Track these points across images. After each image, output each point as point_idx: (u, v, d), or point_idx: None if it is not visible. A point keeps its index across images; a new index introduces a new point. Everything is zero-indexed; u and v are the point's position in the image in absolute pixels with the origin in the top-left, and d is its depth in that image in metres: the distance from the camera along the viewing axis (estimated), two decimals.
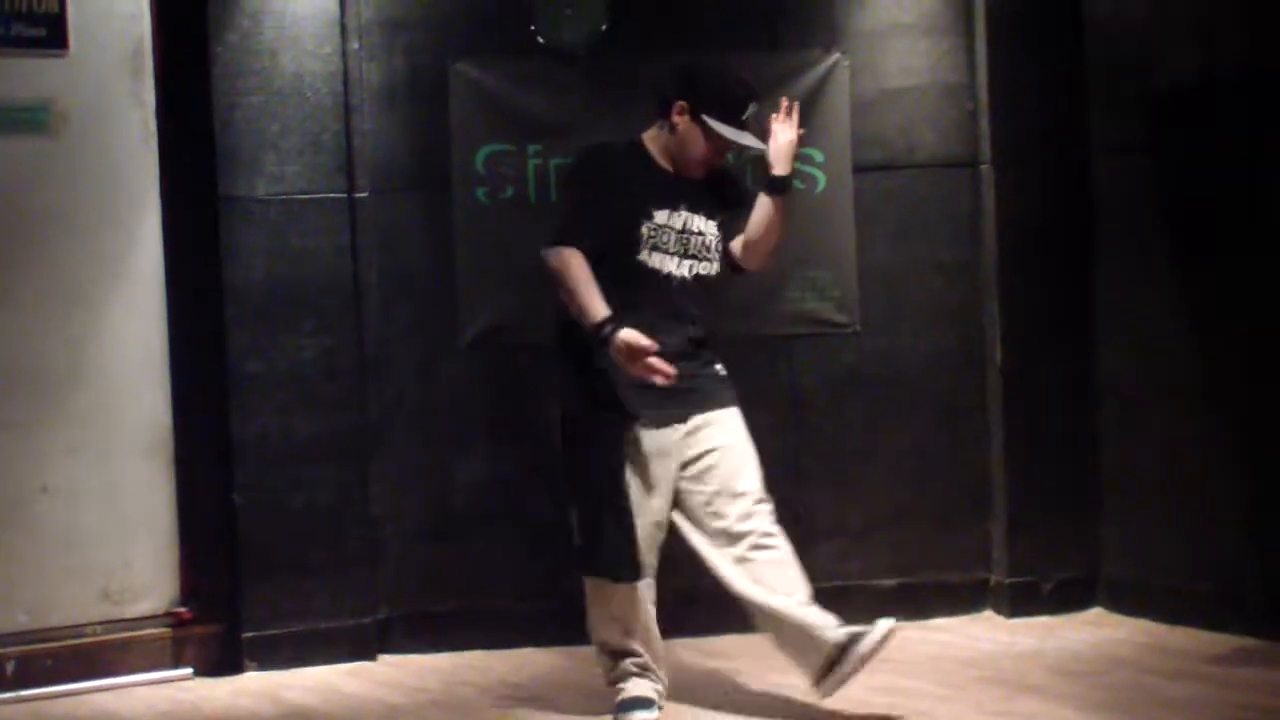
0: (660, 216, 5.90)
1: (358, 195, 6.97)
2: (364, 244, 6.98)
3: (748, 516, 5.89)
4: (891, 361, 7.21)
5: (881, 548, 7.04)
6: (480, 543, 7.06)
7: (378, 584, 7.01)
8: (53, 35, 6.74)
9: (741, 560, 5.87)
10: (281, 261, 6.88)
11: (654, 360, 5.66)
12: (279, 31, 6.86)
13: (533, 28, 7.02)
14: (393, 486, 7.03)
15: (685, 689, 6.20)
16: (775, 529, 5.92)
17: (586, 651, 6.72)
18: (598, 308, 5.71)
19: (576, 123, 7.00)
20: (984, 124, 7.21)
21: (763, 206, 6.01)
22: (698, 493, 5.91)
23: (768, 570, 5.87)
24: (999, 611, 7.25)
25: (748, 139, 5.87)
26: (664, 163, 5.96)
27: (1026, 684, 6.24)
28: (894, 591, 7.13)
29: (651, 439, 5.88)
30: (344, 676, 6.78)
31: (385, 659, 6.98)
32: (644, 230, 5.87)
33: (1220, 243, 6.78)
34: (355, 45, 6.97)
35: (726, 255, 6.06)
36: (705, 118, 5.84)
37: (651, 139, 5.99)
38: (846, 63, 7.16)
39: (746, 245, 6.06)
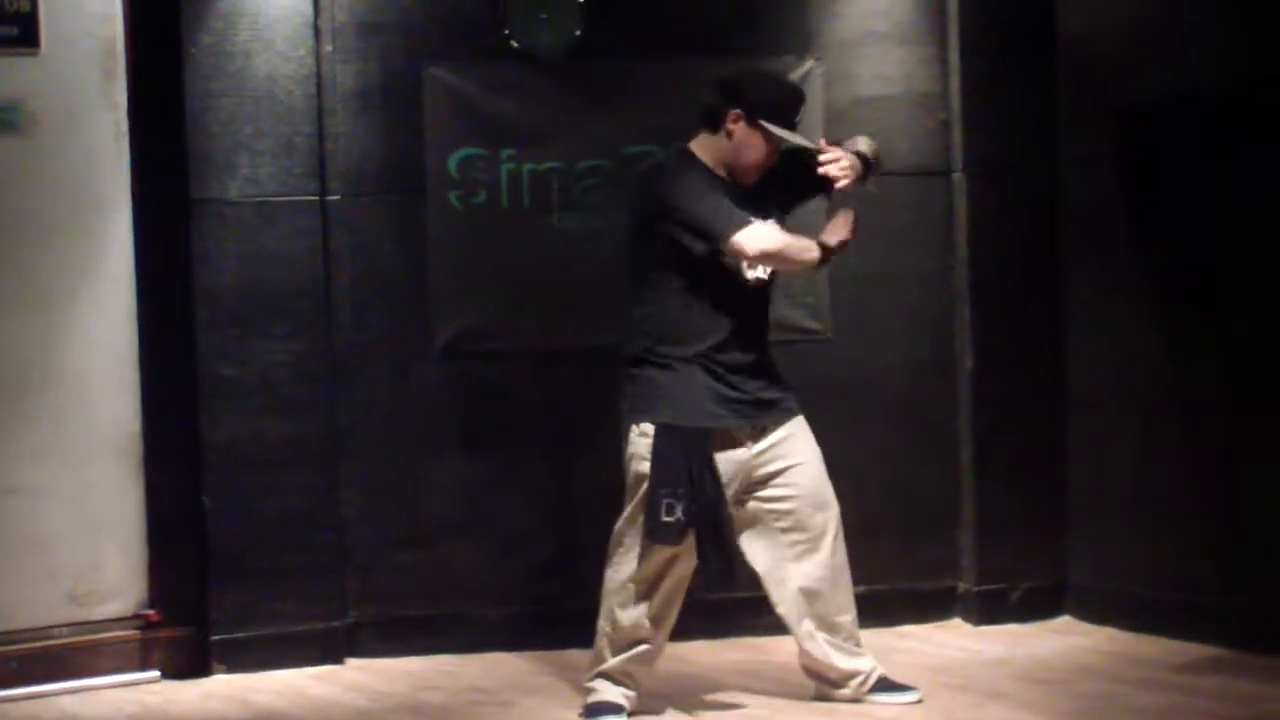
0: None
1: (330, 199, 6.96)
2: (336, 248, 6.97)
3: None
4: (863, 369, 7.22)
5: (851, 555, 6.99)
6: (450, 547, 7.06)
7: (347, 588, 7.00)
8: (24, 35, 6.71)
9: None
10: (253, 264, 6.87)
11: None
12: (253, 34, 6.84)
13: (506, 33, 7.01)
14: (363, 491, 7.02)
15: (658, 694, 6.21)
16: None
17: (556, 656, 6.75)
18: (810, 243, 5.94)
19: (550, 128, 7.02)
20: (957, 133, 7.24)
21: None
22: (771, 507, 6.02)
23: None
24: (967, 619, 7.26)
25: (801, 139, 5.94)
26: (721, 172, 5.96)
27: (995, 692, 6.25)
28: (863, 599, 7.05)
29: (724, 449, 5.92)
30: (312, 680, 6.77)
31: (354, 663, 6.96)
32: None
33: (1189, 254, 6.81)
34: (329, 48, 6.96)
35: None
36: (763, 122, 5.88)
37: (702, 149, 5.98)
38: (821, 70, 7.18)
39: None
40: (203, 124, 6.82)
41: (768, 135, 5.89)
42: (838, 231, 5.95)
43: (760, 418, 5.98)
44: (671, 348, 5.90)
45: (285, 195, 6.89)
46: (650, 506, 5.83)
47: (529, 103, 7.04)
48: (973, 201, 7.21)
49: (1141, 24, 6.96)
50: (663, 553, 5.88)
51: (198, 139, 6.82)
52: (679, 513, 5.80)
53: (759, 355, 6.00)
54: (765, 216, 5.95)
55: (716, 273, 5.89)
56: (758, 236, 5.84)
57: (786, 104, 5.95)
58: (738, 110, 5.89)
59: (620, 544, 5.96)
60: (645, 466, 5.86)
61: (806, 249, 5.92)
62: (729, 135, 5.92)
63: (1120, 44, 7.04)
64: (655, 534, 5.84)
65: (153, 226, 6.88)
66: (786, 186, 6.06)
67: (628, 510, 5.94)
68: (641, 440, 5.90)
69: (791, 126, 5.91)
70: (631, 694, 6.00)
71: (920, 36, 7.25)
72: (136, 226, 6.87)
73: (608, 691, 5.97)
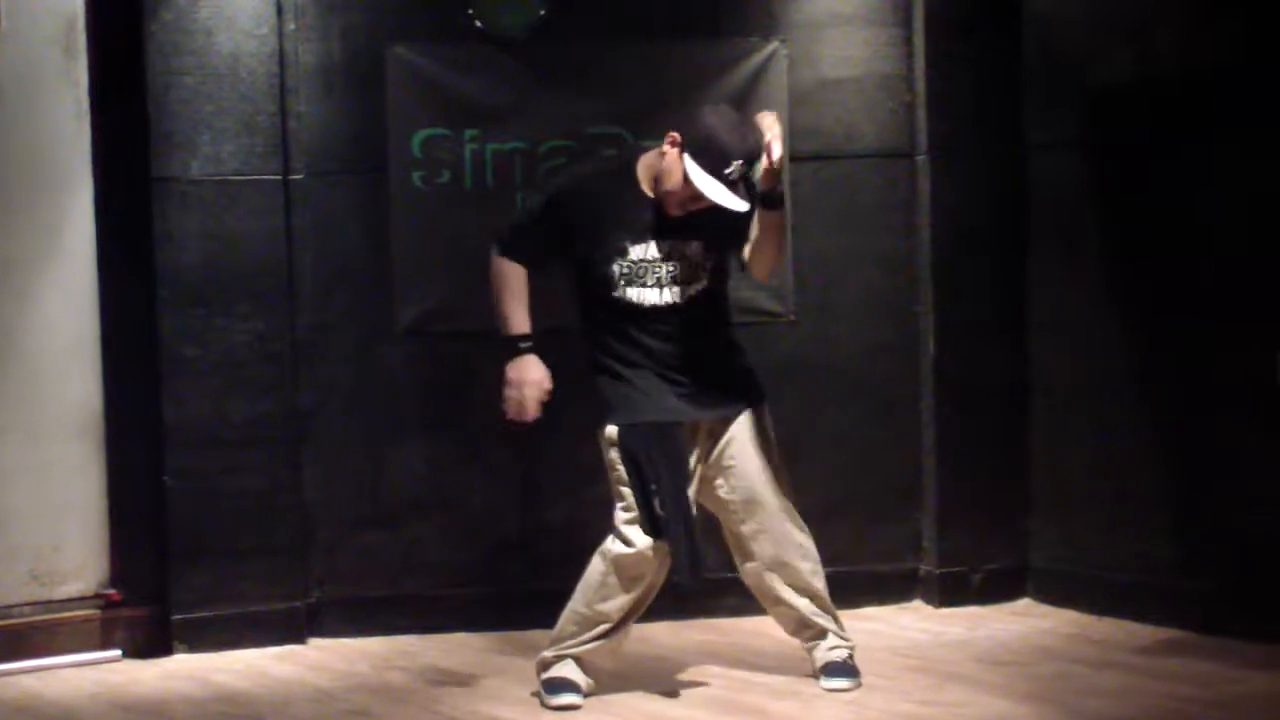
0: (636, 251, 5.91)
1: (293, 178, 6.93)
2: (299, 227, 6.95)
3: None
4: (826, 351, 7.22)
5: (812, 537, 7.03)
6: (412, 528, 7.05)
7: (309, 568, 7.00)
8: None
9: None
10: (215, 244, 6.85)
11: (529, 396, 5.94)
12: (215, 10, 6.81)
13: (470, 12, 6.99)
14: (325, 471, 7.00)
15: (621, 677, 6.22)
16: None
17: (518, 636, 6.76)
18: (521, 321, 5.96)
19: (513, 108, 7.00)
20: (921, 116, 7.24)
21: (759, 220, 5.97)
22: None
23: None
24: (928, 601, 7.28)
25: (719, 193, 5.75)
26: (648, 189, 5.93)
27: (955, 673, 6.27)
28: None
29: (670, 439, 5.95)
30: (274, 660, 6.76)
31: (316, 643, 6.96)
32: (616, 269, 5.90)
33: (1151, 240, 6.82)
34: (292, 26, 6.93)
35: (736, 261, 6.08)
36: (687, 157, 5.78)
37: (647, 162, 5.95)
38: (785, 52, 7.17)
39: (750, 257, 6.05)
40: (164, 102, 6.79)
41: (687, 172, 5.77)
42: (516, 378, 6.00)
43: (702, 414, 5.98)
44: (609, 358, 5.96)
45: (247, 174, 6.86)
46: (644, 506, 5.84)
47: (493, 83, 7.02)
48: (936, 184, 7.20)
49: (1108, 8, 6.97)
50: (658, 547, 5.88)
51: (159, 117, 6.78)
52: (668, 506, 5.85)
53: (700, 352, 5.98)
54: (690, 237, 5.90)
55: (611, 303, 5.93)
56: (500, 265, 5.95)
57: (722, 152, 5.73)
58: (678, 135, 5.81)
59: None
60: (620, 470, 5.89)
61: (507, 318, 5.96)
62: (662, 155, 5.87)
63: (1086, 29, 7.04)
64: (657, 529, 5.85)
65: (114, 205, 6.85)
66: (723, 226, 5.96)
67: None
68: (609, 446, 5.92)
69: (722, 178, 5.74)
70: (590, 680, 6.01)
71: (885, 18, 7.24)
72: (97, 205, 6.84)
73: (568, 669, 5.98)
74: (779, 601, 6.13)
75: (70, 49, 6.82)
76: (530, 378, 5.95)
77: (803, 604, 6.12)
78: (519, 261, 5.96)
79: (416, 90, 7.00)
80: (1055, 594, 7.19)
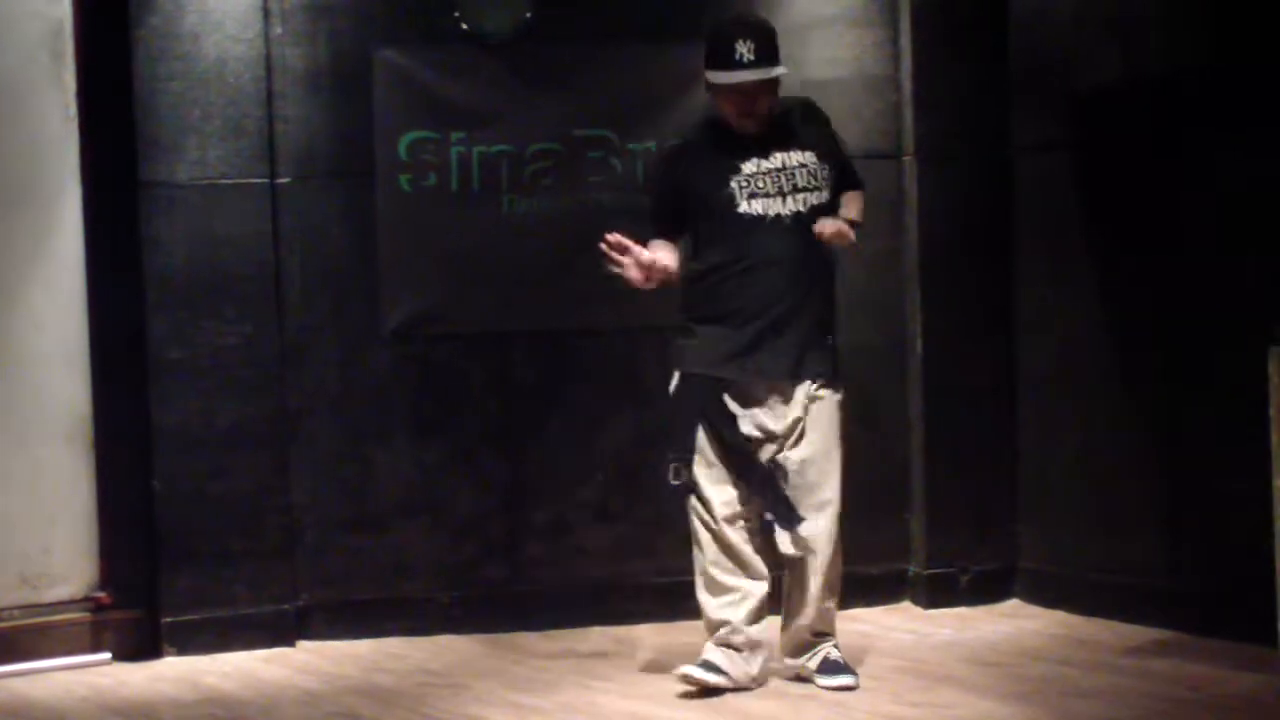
0: (749, 167, 5.97)
1: (280, 181, 6.94)
2: (286, 231, 6.95)
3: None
4: None
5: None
6: (399, 531, 7.06)
7: (297, 571, 7.00)
8: None
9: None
10: (203, 247, 6.85)
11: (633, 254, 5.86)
12: (201, 15, 6.82)
13: (457, 15, 7.00)
14: (313, 474, 7.01)
15: (605, 678, 6.22)
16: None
17: (506, 639, 6.77)
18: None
19: (500, 111, 7.01)
20: (907, 117, 7.25)
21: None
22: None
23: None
24: (917, 603, 7.29)
25: (746, 74, 5.88)
26: (734, 123, 6.01)
27: (944, 675, 6.27)
28: None
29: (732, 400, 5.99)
30: (263, 663, 6.77)
31: (304, 645, 6.96)
32: (734, 185, 5.95)
33: (1138, 241, 6.83)
34: (278, 30, 6.93)
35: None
36: (708, 75, 5.93)
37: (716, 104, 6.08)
38: None
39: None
40: (151, 106, 6.80)
41: (709, 80, 5.95)
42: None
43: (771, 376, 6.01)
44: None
45: (234, 178, 6.87)
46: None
47: (479, 86, 7.03)
48: (923, 185, 7.22)
49: (1095, 10, 6.97)
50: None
51: (146, 121, 6.80)
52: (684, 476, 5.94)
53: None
54: (803, 147, 6.01)
55: (735, 220, 5.97)
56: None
57: (718, 47, 5.93)
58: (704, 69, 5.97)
59: None
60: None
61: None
62: (708, 88, 6.00)
63: (1072, 30, 7.04)
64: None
65: (102, 209, 6.85)
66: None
67: None
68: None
69: (740, 64, 5.87)
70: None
71: (871, 19, 7.25)
72: (85, 209, 6.84)
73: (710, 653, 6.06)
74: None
75: (57, 54, 6.83)
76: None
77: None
78: (654, 236, 6.01)
79: (403, 93, 7.00)
80: (1043, 595, 7.19)
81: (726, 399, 5.96)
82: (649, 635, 6.82)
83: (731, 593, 6.01)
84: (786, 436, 6.00)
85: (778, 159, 6.00)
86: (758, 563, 6.03)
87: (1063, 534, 7.14)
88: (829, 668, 6.11)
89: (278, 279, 6.93)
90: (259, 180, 6.89)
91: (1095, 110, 6.96)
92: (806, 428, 6.02)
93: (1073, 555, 7.10)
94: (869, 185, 7.16)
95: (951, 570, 7.26)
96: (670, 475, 5.97)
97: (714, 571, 6.02)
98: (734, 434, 5.95)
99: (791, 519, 5.95)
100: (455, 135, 7.01)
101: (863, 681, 6.15)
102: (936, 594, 7.24)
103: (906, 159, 7.25)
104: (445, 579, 7.06)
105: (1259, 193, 6.41)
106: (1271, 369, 5.70)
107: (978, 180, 7.25)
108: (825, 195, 6.04)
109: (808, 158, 6.03)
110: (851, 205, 6.19)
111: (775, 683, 6.16)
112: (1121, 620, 6.83)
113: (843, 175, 6.17)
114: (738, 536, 6.00)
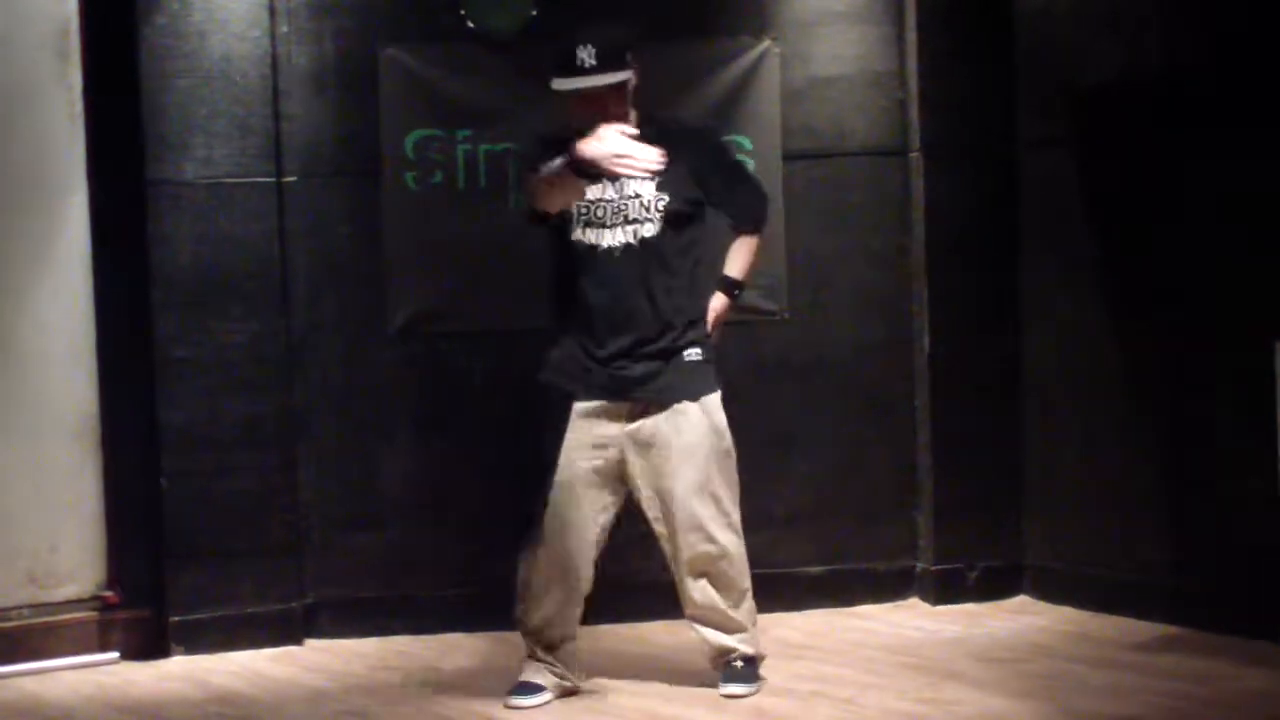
0: (594, 191, 5.85)
1: (286, 180, 6.94)
2: (292, 229, 6.96)
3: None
4: (819, 349, 7.22)
5: (808, 535, 7.05)
6: (406, 529, 7.06)
7: (304, 569, 7.00)
8: None
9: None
10: (209, 246, 6.86)
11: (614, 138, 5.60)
12: (207, 14, 6.83)
13: (462, 13, 7.00)
14: (319, 472, 7.01)
15: (616, 675, 6.23)
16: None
17: (511, 637, 6.74)
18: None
19: (505, 108, 7.00)
20: (913, 113, 7.24)
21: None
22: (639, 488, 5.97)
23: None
24: (924, 599, 7.28)
25: (581, 81, 5.73)
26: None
27: (951, 671, 6.27)
28: (820, 579, 7.16)
29: (589, 423, 5.91)
30: (270, 661, 6.78)
31: (311, 644, 6.97)
32: (573, 208, 5.86)
33: (1144, 237, 6.82)
34: (284, 29, 6.94)
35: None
36: (551, 81, 5.81)
37: None
38: (777, 50, 7.17)
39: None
40: (158, 105, 6.80)
41: (552, 87, 5.81)
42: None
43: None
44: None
45: (241, 176, 6.87)
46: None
47: (485, 83, 7.03)
48: (929, 181, 7.21)
49: (1099, 7, 6.97)
50: None
51: (153, 120, 6.80)
52: None
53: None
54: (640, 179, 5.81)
55: (570, 246, 5.89)
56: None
57: (559, 50, 5.78)
58: None
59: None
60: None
61: (551, 169, 5.68)
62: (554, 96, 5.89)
63: (1077, 25, 7.04)
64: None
65: (108, 208, 6.87)
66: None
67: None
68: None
69: (573, 70, 5.74)
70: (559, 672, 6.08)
71: (877, 16, 7.24)
72: (92, 208, 6.86)
73: (530, 670, 6.04)
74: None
75: (64, 53, 6.84)
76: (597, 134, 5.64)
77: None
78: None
79: (409, 91, 7.01)
80: (1051, 591, 7.19)
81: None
82: (657, 632, 6.82)
83: None
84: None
85: (619, 185, 5.84)
86: None
87: (1070, 530, 7.13)
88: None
89: (284, 277, 6.94)
90: (265, 179, 6.90)
91: (1101, 106, 6.95)
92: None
93: (1080, 551, 7.09)
94: (873, 183, 7.21)
95: (959, 567, 7.25)
96: None
97: None
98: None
99: None
100: (461, 133, 7.02)
101: (871, 679, 6.17)
102: (944, 590, 7.23)
103: (912, 155, 7.24)
104: (452, 576, 7.06)
105: (1266, 190, 6.40)
106: (1279, 364, 5.70)
107: (983, 177, 7.25)
108: (656, 229, 5.86)
109: (645, 188, 5.87)
110: (736, 258, 6.07)
111: (786, 679, 6.16)
112: (1129, 616, 6.83)
113: (729, 208, 6.02)
114: None
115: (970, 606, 7.19)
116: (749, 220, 6.10)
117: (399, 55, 7.00)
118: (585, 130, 5.68)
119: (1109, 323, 6.95)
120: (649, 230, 5.88)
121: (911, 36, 7.22)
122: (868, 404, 7.27)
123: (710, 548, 5.93)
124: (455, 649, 6.84)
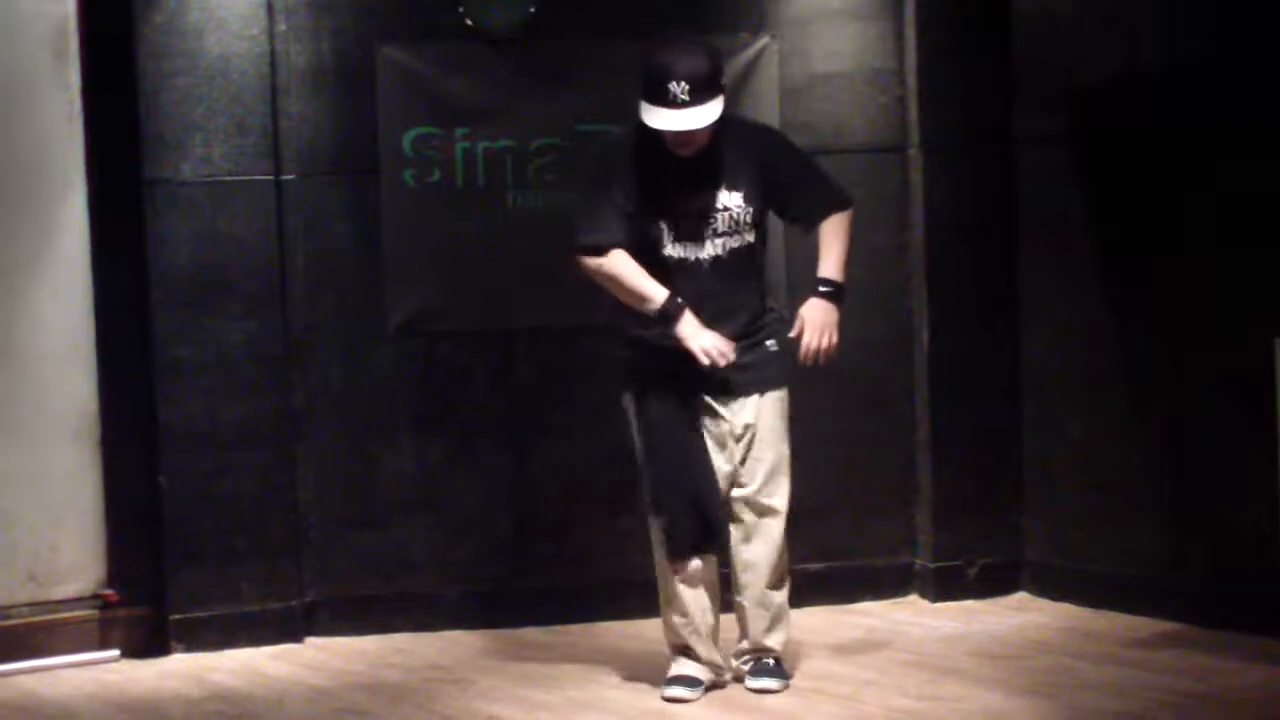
0: (679, 205, 5.91)
1: (284, 178, 6.94)
2: (290, 227, 6.96)
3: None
4: None
5: (807, 532, 7.03)
6: (405, 527, 7.06)
7: (304, 567, 7.01)
8: None
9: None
10: (207, 245, 6.86)
11: (714, 341, 5.84)
12: (205, 13, 6.82)
13: (460, 11, 7.00)
14: (319, 471, 7.01)
15: (618, 673, 6.23)
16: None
17: (512, 635, 6.79)
18: (657, 287, 5.84)
19: (504, 106, 7.01)
20: (912, 110, 7.24)
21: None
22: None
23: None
24: (924, 596, 7.28)
25: (668, 118, 5.76)
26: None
27: (951, 668, 6.28)
28: (820, 576, 7.15)
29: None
30: (270, 659, 6.78)
31: (311, 642, 6.97)
32: (662, 225, 5.92)
33: (1142, 235, 6.82)
34: (282, 27, 6.93)
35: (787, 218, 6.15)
36: (641, 108, 5.82)
37: None
38: (775, 47, 7.17)
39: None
40: (156, 104, 6.80)
41: (640, 113, 5.82)
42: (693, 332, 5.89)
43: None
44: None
45: (239, 175, 6.87)
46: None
47: (483, 81, 7.03)
48: (928, 178, 7.21)
49: (1097, 4, 6.96)
50: None
51: (151, 119, 6.80)
52: None
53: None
54: (731, 188, 5.91)
55: (658, 261, 5.94)
56: (599, 262, 5.89)
57: (660, 78, 5.76)
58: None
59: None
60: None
61: (645, 295, 5.85)
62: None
63: (1076, 24, 7.04)
64: None
65: (106, 207, 6.86)
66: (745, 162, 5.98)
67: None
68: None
69: (666, 102, 5.75)
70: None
71: (875, 12, 7.24)
72: (90, 208, 6.85)
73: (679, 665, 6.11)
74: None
75: (61, 52, 6.83)
76: (704, 329, 5.86)
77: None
78: (615, 246, 5.89)
79: (407, 89, 7.00)
80: (1050, 588, 7.19)
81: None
82: (656, 630, 6.80)
83: None
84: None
85: (705, 197, 5.92)
86: None
87: (1069, 527, 7.13)
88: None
89: (282, 276, 6.94)
90: (263, 177, 6.89)
91: (1099, 104, 6.95)
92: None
93: (1079, 548, 7.10)
94: (872, 180, 7.20)
95: (958, 564, 7.25)
96: None
97: None
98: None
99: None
100: (459, 131, 7.01)
101: (871, 675, 6.18)
102: (943, 587, 7.23)
103: (911, 152, 7.24)
104: (451, 574, 7.06)
105: (1264, 189, 6.40)
106: (1279, 363, 5.71)
107: (982, 173, 7.24)
108: (747, 239, 5.98)
109: (734, 200, 5.94)
110: (830, 251, 6.13)
111: None
112: (1128, 613, 6.83)
113: (807, 195, 6.08)
114: None
115: (970, 603, 7.19)
116: (842, 196, 6.13)
117: (397, 53, 7.00)
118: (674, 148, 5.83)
119: (1108, 319, 6.95)
120: (736, 241, 5.97)
121: (910, 33, 7.22)
122: (867, 401, 7.27)
123: (775, 501, 6.10)
124: (456, 646, 6.83)
